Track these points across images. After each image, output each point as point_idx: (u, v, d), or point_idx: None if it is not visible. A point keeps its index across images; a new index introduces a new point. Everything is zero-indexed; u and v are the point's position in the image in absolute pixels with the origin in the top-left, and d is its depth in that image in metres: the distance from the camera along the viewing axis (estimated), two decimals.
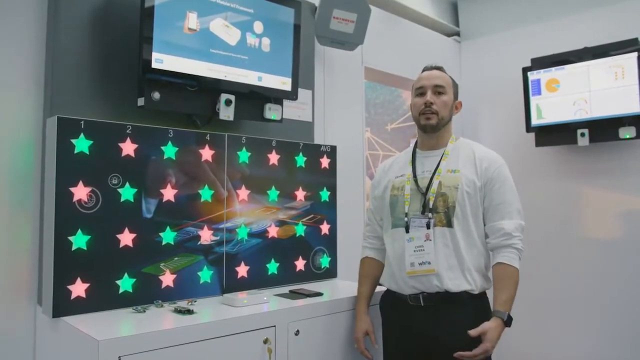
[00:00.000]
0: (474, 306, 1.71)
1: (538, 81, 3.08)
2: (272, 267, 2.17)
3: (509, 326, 1.65)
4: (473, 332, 1.62)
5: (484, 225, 1.75)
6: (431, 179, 1.77)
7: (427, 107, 1.79)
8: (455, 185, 1.72)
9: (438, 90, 1.80)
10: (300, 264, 2.27)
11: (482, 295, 1.74)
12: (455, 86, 1.88)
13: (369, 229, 2.00)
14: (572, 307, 3.10)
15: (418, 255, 1.71)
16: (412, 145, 1.96)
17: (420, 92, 1.83)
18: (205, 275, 1.94)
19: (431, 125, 1.80)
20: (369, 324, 1.87)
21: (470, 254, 1.71)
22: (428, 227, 1.71)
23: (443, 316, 1.69)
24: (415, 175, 1.81)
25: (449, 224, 1.71)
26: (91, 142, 1.67)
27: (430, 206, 1.73)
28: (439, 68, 1.87)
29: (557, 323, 3.16)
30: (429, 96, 1.79)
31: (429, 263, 1.68)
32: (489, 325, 1.62)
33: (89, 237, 1.66)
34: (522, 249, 1.71)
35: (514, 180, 1.79)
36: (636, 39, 2.76)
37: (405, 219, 1.77)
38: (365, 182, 2.94)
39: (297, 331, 1.77)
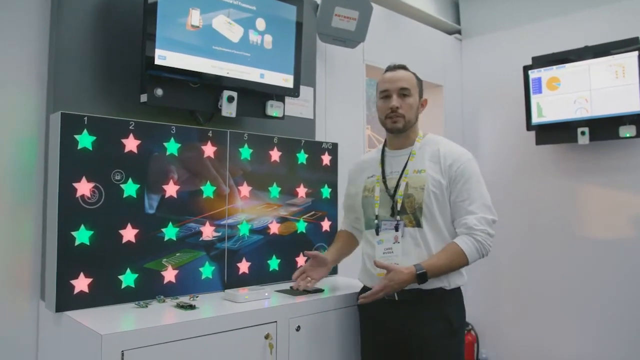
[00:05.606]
0: (447, 300, 1.74)
1: (539, 79, 3.08)
2: (274, 263, 2.18)
3: (419, 282, 1.64)
4: (377, 262, 1.69)
5: (453, 221, 1.76)
6: (398, 180, 1.78)
7: (392, 111, 1.79)
8: (421, 185, 1.73)
9: (403, 92, 1.79)
10: (301, 260, 2.28)
11: (456, 289, 1.76)
12: (419, 85, 1.85)
13: (344, 223, 2.12)
14: (571, 305, 3.11)
15: (387, 257, 1.73)
16: (382, 144, 1.97)
17: (385, 95, 1.82)
18: (207, 271, 1.95)
19: (398, 129, 1.80)
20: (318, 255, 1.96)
21: None
22: (397, 229, 1.73)
23: (417, 310, 1.71)
24: (384, 177, 1.83)
25: (419, 224, 1.73)
26: (94, 138, 1.68)
27: (399, 208, 1.75)
28: (403, 67, 1.85)
29: (555, 321, 3.17)
30: (395, 100, 1.78)
31: (397, 265, 1.69)
32: (399, 268, 1.65)
33: (92, 232, 1.67)
34: (484, 242, 1.67)
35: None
36: (637, 38, 2.76)
37: (376, 221, 1.79)
38: None
39: (298, 327, 1.79)
